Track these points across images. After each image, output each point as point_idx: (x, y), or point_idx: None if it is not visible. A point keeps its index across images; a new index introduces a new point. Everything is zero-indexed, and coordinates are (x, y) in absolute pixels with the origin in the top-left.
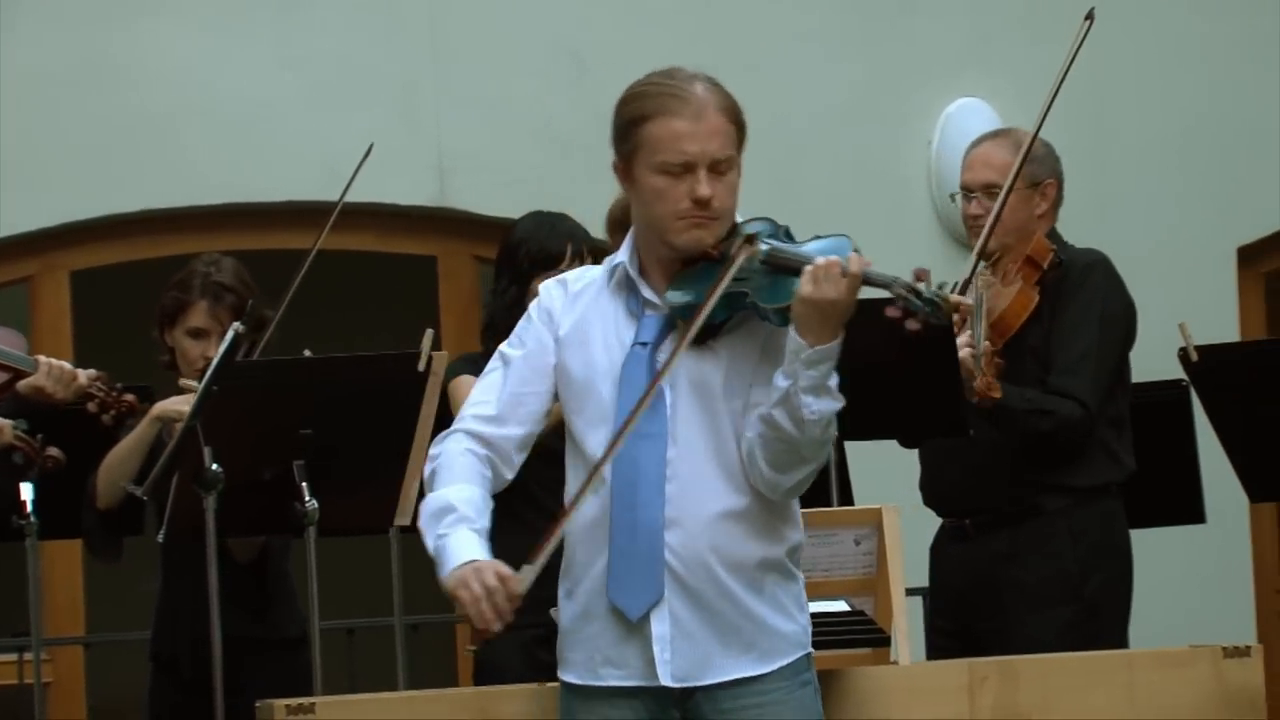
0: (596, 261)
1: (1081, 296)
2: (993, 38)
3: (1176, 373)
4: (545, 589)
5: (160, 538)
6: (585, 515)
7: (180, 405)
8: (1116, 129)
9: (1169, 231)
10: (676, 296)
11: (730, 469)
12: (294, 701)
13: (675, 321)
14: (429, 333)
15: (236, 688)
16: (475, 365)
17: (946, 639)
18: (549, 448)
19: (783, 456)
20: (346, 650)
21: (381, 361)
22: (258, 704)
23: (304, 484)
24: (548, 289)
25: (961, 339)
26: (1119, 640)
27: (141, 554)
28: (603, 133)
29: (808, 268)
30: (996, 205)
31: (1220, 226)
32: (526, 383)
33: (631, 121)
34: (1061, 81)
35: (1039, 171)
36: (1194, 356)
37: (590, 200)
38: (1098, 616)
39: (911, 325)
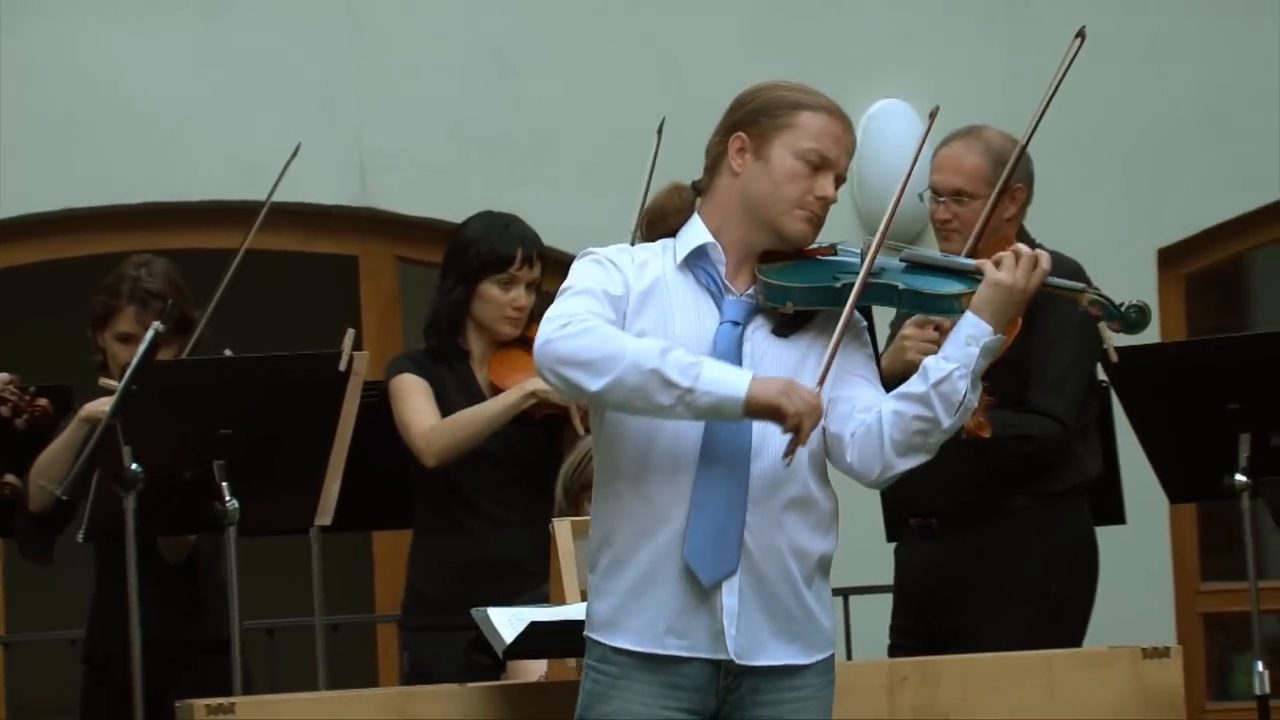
0: (545, 267)
1: (1062, 308)
2: (913, 38)
3: (1097, 374)
4: (474, 589)
5: (80, 537)
6: (647, 481)
7: (107, 406)
8: (1037, 130)
9: (1089, 233)
10: (785, 279)
11: (803, 460)
12: (214, 701)
13: (763, 307)
14: (350, 333)
15: (170, 689)
16: (417, 363)
17: (906, 638)
18: (486, 450)
19: (913, 439)
20: (267, 650)
21: (302, 361)
22: (177, 704)
23: (224, 483)
24: (614, 252)
25: None
26: (1078, 640)
27: (63, 554)
28: (525, 132)
29: (990, 261)
30: (980, 221)
31: (1140, 228)
32: (613, 317)
33: (788, 103)
34: (1050, 98)
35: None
36: (1114, 358)
37: (511, 200)
38: (1063, 616)
39: (1113, 328)
